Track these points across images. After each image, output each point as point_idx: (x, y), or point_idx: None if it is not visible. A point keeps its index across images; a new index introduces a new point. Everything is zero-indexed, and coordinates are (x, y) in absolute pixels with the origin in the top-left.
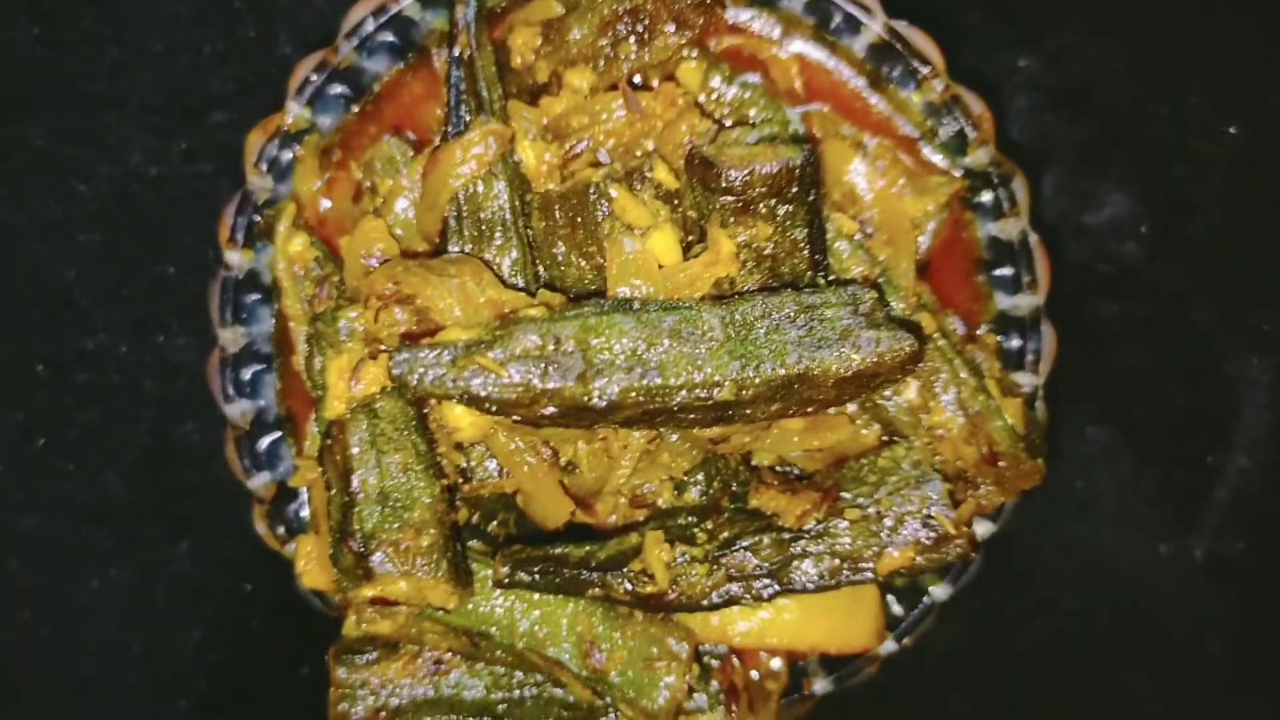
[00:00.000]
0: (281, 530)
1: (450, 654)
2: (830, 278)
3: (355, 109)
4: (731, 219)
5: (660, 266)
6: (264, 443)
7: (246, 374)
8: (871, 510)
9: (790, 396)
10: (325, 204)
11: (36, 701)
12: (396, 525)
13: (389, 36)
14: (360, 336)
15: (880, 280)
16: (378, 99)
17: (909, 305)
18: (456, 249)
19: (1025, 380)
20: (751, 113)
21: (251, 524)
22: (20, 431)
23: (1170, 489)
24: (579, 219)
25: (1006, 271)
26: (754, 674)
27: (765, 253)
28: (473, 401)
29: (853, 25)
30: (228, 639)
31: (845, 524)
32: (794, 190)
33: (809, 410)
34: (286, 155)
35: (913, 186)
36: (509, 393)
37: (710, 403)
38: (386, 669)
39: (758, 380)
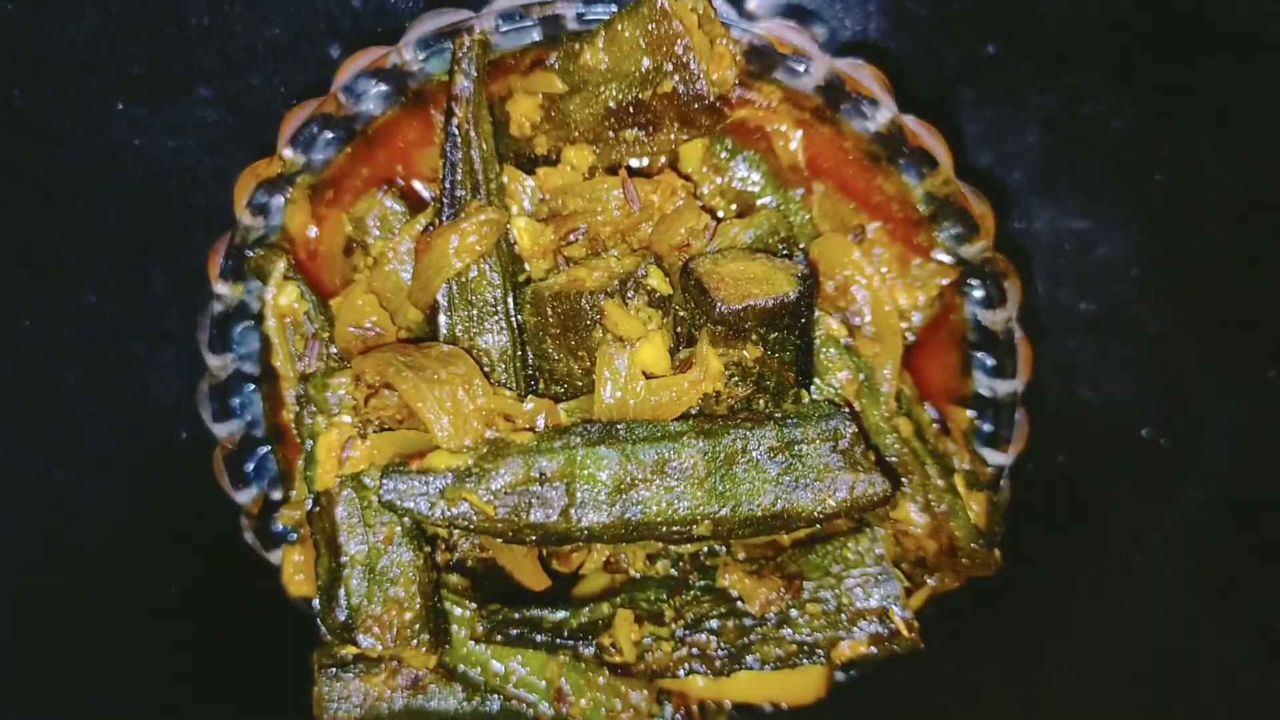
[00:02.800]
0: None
1: (427, 673)
2: (814, 393)
3: (348, 149)
4: (721, 342)
5: (648, 376)
6: (250, 462)
7: (236, 398)
8: (833, 605)
9: (762, 528)
10: (314, 232)
11: (26, 626)
12: (381, 600)
13: (385, 87)
14: (349, 408)
15: (863, 380)
16: (371, 141)
17: (890, 409)
18: (446, 331)
19: (994, 458)
20: (754, 191)
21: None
22: (9, 382)
23: (1121, 510)
24: (570, 323)
25: (988, 358)
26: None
27: (752, 371)
28: (458, 529)
29: (860, 111)
30: (211, 585)
31: (806, 616)
32: (785, 320)
33: (783, 534)
34: (278, 200)
35: (905, 274)
36: (494, 525)
37: (686, 535)
38: (368, 681)
39: (734, 520)
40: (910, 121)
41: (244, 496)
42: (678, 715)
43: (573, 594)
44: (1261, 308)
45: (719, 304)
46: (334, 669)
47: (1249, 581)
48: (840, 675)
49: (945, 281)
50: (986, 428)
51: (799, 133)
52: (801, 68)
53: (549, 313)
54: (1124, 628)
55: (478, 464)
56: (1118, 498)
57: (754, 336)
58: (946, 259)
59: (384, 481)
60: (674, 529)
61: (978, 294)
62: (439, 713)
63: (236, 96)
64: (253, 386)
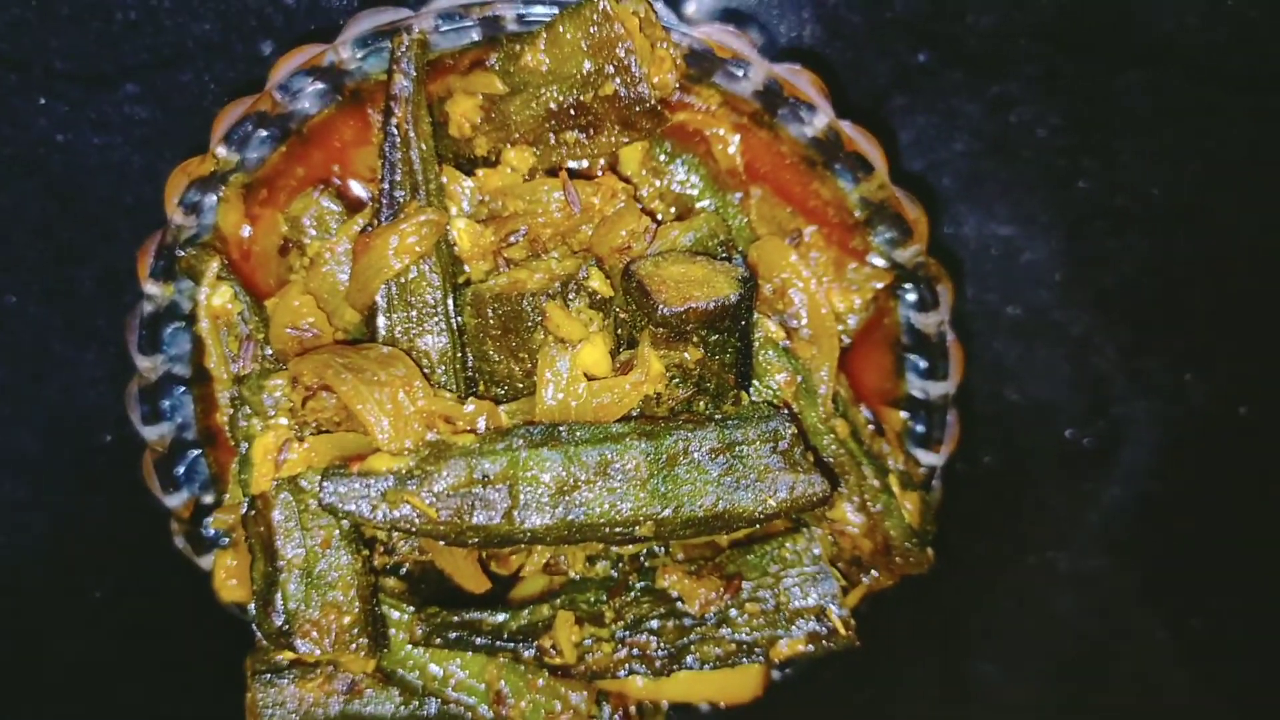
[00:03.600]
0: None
1: (364, 677)
2: (753, 395)
3: (283, 148)
4: (662, 345)
5: (590, 378)
6: (180, 465)
7: (166, 401)
8: (771, 604)
9: (703, 529)
10: (247, 231)
11: None
12: (319, 604)
13: (321, 85)
14: (285, 410)
15: (801, 382)
16: (306, 140)
17: (826, 411)
18: (385, 332)
19: (926, 459)
20: (693, 194)
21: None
22: None
23: (1046, 509)
24: (510, 325)
25: (921, 360)
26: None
27: (692, 373)
28: (399, 531)
29: (797, 116)
30: (139, 590)
31: (745, 616)
32: (726, 322)
33: (723, 534)
34: (210, 199)
35: (841, 277)
36: (436, 528)
37: (629, 536)
38: (304, 687)
39: (677, 520)
40: (847, 127)
41: (174, 501)
42: (616, 716)
43: (511, 596)
44: (1179, 312)
45: (661, 306)
46: (268, 675)
47: (1168, 578)
48: (776, 674)
49: (880, 285)
50: (919, 429)
51: (736, 137)
52: (740, 72)
53: (489, 314)
54: (1048, 625)
55: (419, 466)
56: (1043, 496)
57: (695, 339)
58: (881, 263)
59: (324, 484)
60: (617, 530)
61: (911, 297)
62: (376, 717)
63: (165, 93)
64: (183, 389)
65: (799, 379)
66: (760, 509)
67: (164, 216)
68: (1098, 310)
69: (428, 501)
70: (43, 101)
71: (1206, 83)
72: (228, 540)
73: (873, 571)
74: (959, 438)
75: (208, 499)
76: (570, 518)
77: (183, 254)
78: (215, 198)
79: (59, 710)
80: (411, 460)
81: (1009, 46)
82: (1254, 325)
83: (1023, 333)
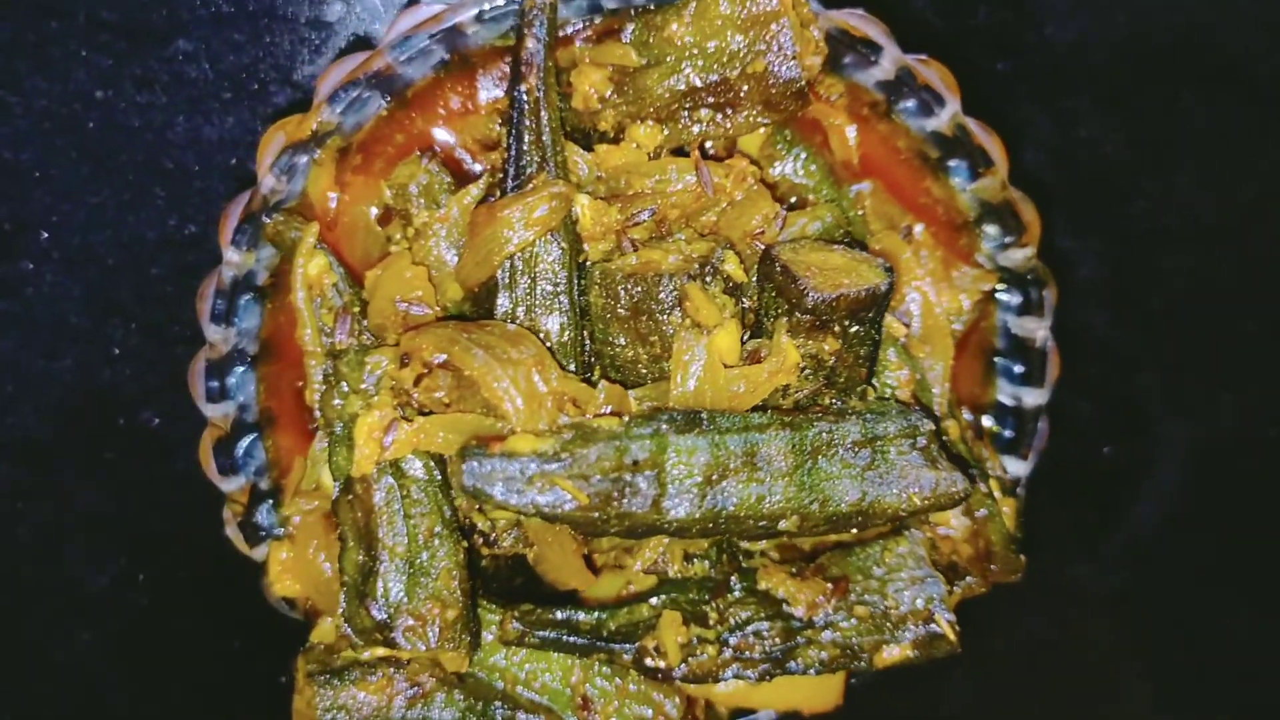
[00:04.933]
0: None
1: (430, 679)
2: (880, 384)
3: (384, 113)
4: (802, 333)
5: (724, 369)
6: (240, 446)
7: (232, 377)
8: (879, 607)
9: (841, 525)
10: (334, 201)
11: None
12: (423, 596)
13: (438, 49)
14: (388, 389)
15: (919, 380)
16: (409, 105)
17: (942, 411)
18: (505, 311)
19: (1013, 467)
20: (809, 185)
21: (177, 478)
22: None
23: (1077, 524)
24: (643, 306)
25: (1017, 367)
26: None
27: (827, 364)
28: (544, 519)
29: (924, 110)
30: (146, 583)
31: (854, 619)
32: (870, 314)
33: (850, 533)
34: (303, 159)
35: (947, 278)
36: (583, 514)
37: (771, 530)
38: (362, 689)
39: (820, 515)
40: (972, 124)
41: (231, 485)
42: None
43: (587, 597)
44: (1220, 333)
45: (811, 292)
46: (326, 675)
47: (1192, 597)
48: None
49: (987, 288)
50: (1007, 434)
51: (854, 128)
52: (872, 58)
53: (621, 295)
54: (1071, 639)
55: (565, 448)
56: (1074, 511)
57: (836, 328)
58: (987, 265)
59: (466, 464)
60: (760, 524)
61: (1013, 301)
62: None
63: (219, 53)
64: (245, 367)
65: (918, 377)
66: (904, 505)
67: (204, 185)
68: (1144, 329)
69: (577, 486)
70: (84, 53)
71: (1266, 105)
72: (283, 531)
73: (967, 579)
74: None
75: (263, 485)
76: (717, 508)
77: (269, 220)
78: (309, 159)
79: (50, 710)
80: (555, 442)
81: (1082, 62)
82: None
83: (1071, 347)
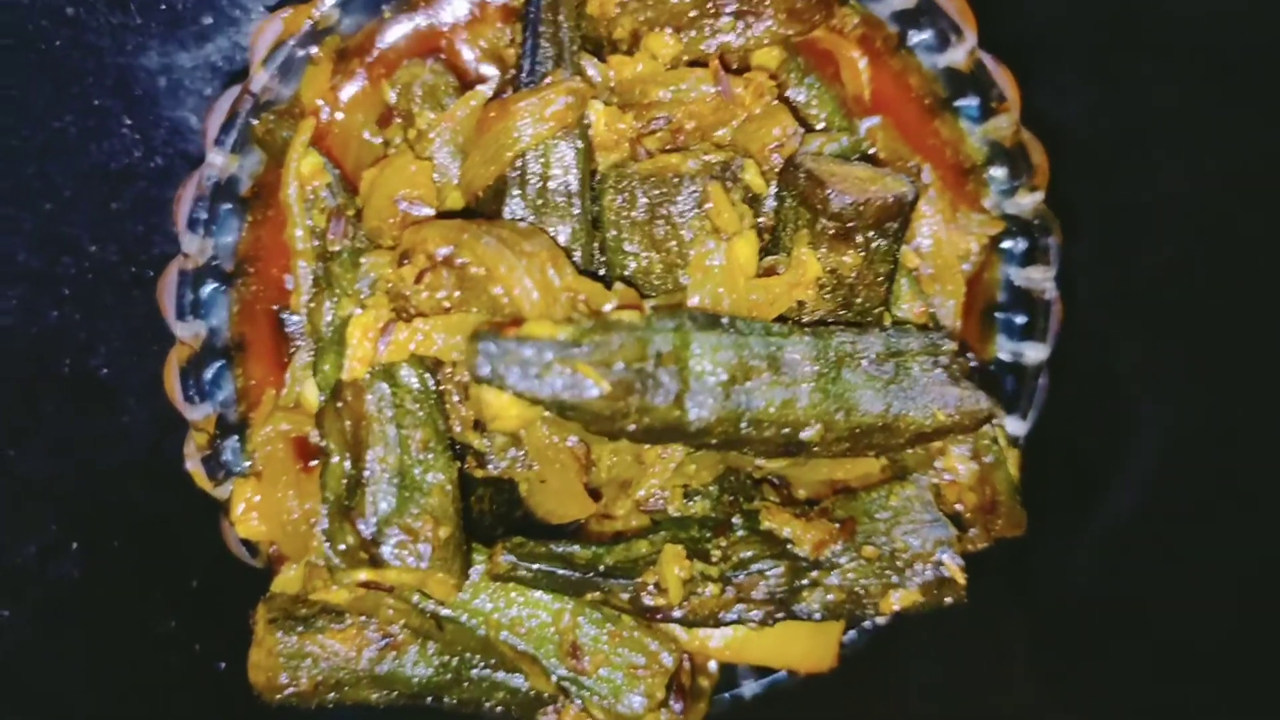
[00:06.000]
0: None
1: (403, 629)
2: (894, 318)
3: (386, 14)
4: (824, 244)
5: (743, 278)
6: (209, 370)
7: (205, 292)
8: (886, 550)
9: (863, 441)
10: (330, 114)
11: None
12: (415, 512)
13: None
14: (385, 290)
15: (932, 313)
16: (412, 8)
17: (958, 346)
18: (513, 214)
19: (1012, 426)
20: (820, 115)
21: (124, 433)
22: None
23: (1050, 510)
24: (661, 210)
25: (1019, 318)
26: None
27: (846, 281)
28: (560, 409)
29: (940, 43)
30: (78, 553)
31: (861, 560)
32: (894, 226)
33: (870, 453)
34: (300, 55)
35: (956, 222)
36: (603, 406)
37: (793, 439)
38: (330, 639)
39: (844, 425)
40: (987, 60)
41: (196, 414)
42: (674, 689)
43: (590, 534)
44: (1197, 319)
45: (837, 195)
46: (289, 622)
47: (1166, 590)
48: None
49: (993, 233)
50: (1008, 389)
51: (866, 62)
52: None
53: (638, 197)
54: (1040, 628)
55: (586, 335)
56: (1048, 498)
57: (860, 239)
58: (994, 211)
59: (481, 345)
60: (784, 430)
61: (1019, 248)
62: (410, 680)
63: None
64: (220, 285)
65: (931, 311)
66: (929, 421)
67: (175, 115)
68: (1123, 310)
69: (599, 373)
70: None
71: (1246, 90)
72: (249, 465)
73: (970, 531)
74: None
75: (231, 417)
76: (740, 409)
77: (258, 120)
78: (305, 55)
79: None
80: (575, 330)
81: (1069, 40)
82: (1269, 336)
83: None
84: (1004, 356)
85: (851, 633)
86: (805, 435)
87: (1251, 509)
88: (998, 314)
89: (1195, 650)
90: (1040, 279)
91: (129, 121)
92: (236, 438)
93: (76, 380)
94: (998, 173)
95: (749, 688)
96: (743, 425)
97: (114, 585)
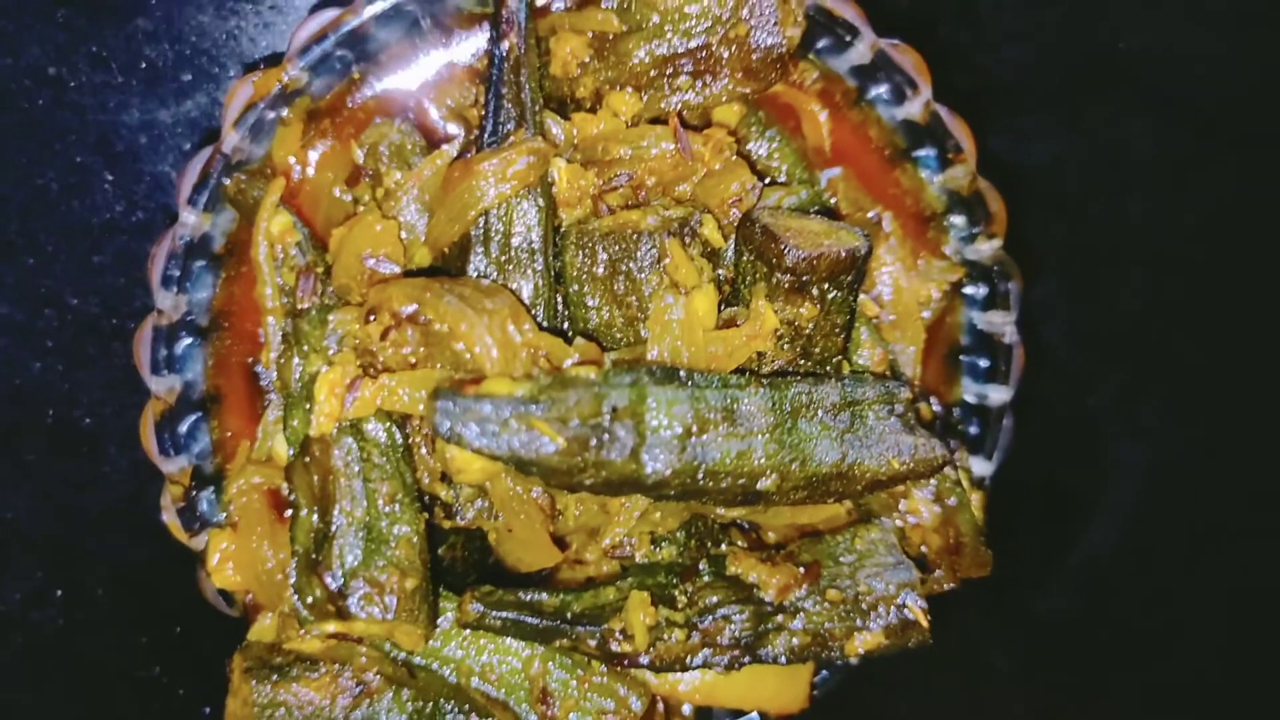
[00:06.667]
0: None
1: (376, 676)
2: (853, 366)
3: (356, 75)
4: (781, 296)
5: (702, 331)
6: (184, 423)
7: (179, 347)
8: (850, 593)
9: (820, 489)
10: (301, 173)
11: None
12: (381, 564)
13: (414, 9)
14: (353, 346)
15: (892, 360)
16: (381, 69)
17: (912, 394)
18: (477, 271)
19: (978, 467)
20: (782, 168)
21: (105, 483)
22: None
23: (1028, 549)
24: (621, 265)
25: (982, 361)
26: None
27: (804, 332)
28: (518, 465)
29: (896, 97)
30: (63, 600)
31: (825, 604)
32: (849, 278)
33: (829, 500)
34: (271, 116)
35: (916, 269)
36: (560, 461)
37: (751, 489)
38: (305, 687)
39: (800, 475)
40: (943, 112)
41: (172, 466)
42: None
43: (561, 580)
44: (1173, 357)
45: (791, 249)
46: (265, 670)
47: (1144, 624)
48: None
49: (954, 279)
50: (973, 432)
51: (826, 114)
52: (849, 39)
53: (599, 253)
54: (1020, 667)
55: (544, 392)
56: (1025, 535)
57: (815, 291)
58: (955, 258)
59: (440, 403)
60: (740, 481)
61: (980, 294)
62: None
63: (182, 33)
64: (194, 340)
65: (890, 358)
66: (884, 469)
67: (155, 170)
68: (1097, 350)
69: (555, 430)
70: (38, 27)
71: (1213, 135)
72: (224, 517)
73: (936, 573)
74: (1007, 448)
75: (207, 469)
76: (696, 462)
77: (230, 179)
78: (276, 117)
79: None
80: (533, 386)
81: (1039, 85)
82: (1240, 372)
83: (1026, 368)
84: (969, 398)
85: (824, 673)
86: (762, 485)
87: (1232, 540)
88: (962, 357)
89: (1181, 682)
90: (1000, 323)
91: (110, 177)
92: (212, 489)
93: (59, 430)
94: (957, 220)
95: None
96: (699, 477)
97: (97, 632)
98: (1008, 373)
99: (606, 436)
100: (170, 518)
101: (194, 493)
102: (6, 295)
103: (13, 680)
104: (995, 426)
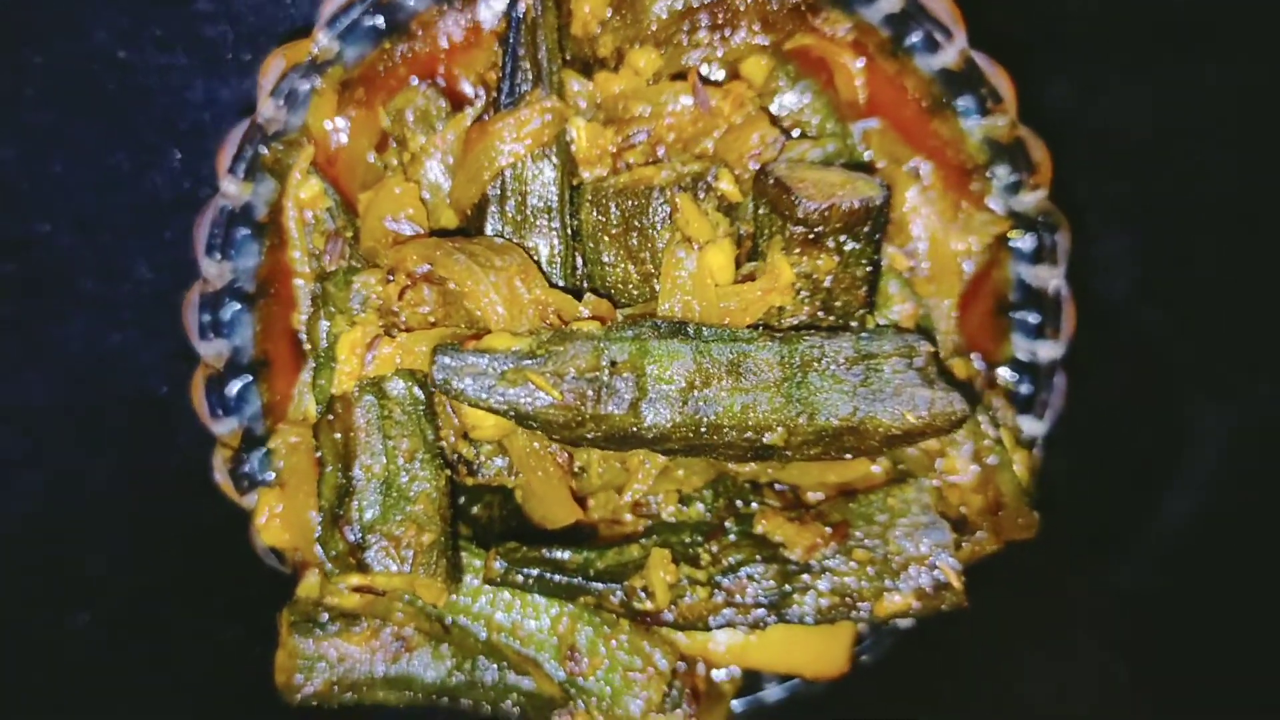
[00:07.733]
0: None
1: (415, 632)
2: (879, 318)
3: (386, 44)
4: (796, 248)
5: (714, 285)
6: (234, 386)
7: (226, 312)
8: (880, 553)
9: (833, 444)
10: (337, 140)
11: None
12: (399, 519)
13: None
14: (375, 307)
15: (922, 315)
16: (411, 37)
17: (946, 350)
18: (494, 230)
19: (1029, 426)
20: (813, 121)
21: (181, 449)
22: None
23: (1105, 517)
24: (635, 221)
25: (1031, 317)
26: (713, 674)
27: (822, 285)
28: (517, 418)
29: (929, 45)
30: (142, 563)
31: (853, 563)
32: (865, 229)
33: (845, 457)
34: (305, 87)
35: (958, 221)
36: (557, 414)
37: (757, 443)
38: (347, 642)
39: (809, 429)
40: (979, 59)
41: (222, 428)
42: (685, 693)
43: (601, 536)
44: (1254, 316)
45: (803, 201)
46: (308, 625)
47: (1229, 599)
48: (862, 650)
49: (997, 231)
50: (1024, 391)
51: (861, 64)
52: None
53: (612, 210)
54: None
55: (542, 346)
56: (1102, 505)
57: (831, 243)
58: (999, 209)
59: (437, 358)
60: (745, 435)
61: (1026, 248)
62: (424, 682)
63: (239, 13)
64: (242, 307)
65: (921, 311)
66: (898, 424)
67: (215, 146)
68: (1173, 308)
69: (551, 383)
70: (106, 13)
71: None
72: (273, 477)
73: (978, 534)
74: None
75: (257, 431)
76: (698, 415)
77: (268, 149)
78: (310, 87)
79: (45, 698)
80: (532, 341)
81: (1107, 31)
82: None
83: (1095, 324)
84: (1021, 356)
85: (870, 638)
86: (769, 439)
87: None
88: (1012, 313)
89: (1258, 651)
90: (1048, 276)
91: (179, 155)
92: (263, 450)
93: (138, 400)
94: (1000, 171)
95: (771, 692)
96: (701, 430)
97: (177, 593)
98: (1057, 328)
99: (605, 390)
100: (222, 478)
101: (243, 453)
102: (87, 270)
103: (104, 637)
104: (1046, 385)
